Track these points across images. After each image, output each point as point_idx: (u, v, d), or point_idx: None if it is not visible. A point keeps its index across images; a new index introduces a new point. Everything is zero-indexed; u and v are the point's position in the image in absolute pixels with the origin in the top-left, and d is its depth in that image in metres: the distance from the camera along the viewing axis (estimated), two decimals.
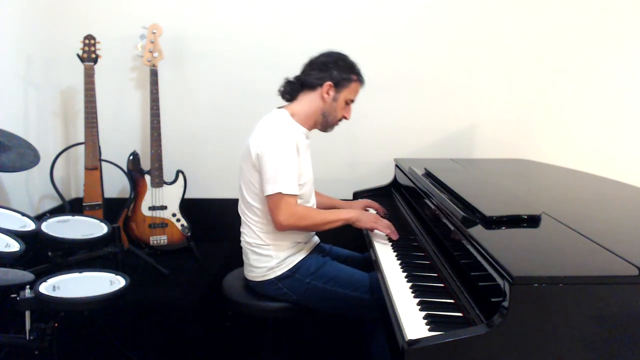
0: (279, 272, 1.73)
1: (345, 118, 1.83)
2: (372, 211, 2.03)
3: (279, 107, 1.80)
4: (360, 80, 1.80)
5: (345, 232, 1.82)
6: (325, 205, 2.05)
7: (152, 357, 2.08)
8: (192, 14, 2.54)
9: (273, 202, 1.64)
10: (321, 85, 1.74)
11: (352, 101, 1.82)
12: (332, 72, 1.74)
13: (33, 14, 2.38)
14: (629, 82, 2.57)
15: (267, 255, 1.73)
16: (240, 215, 1.81)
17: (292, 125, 1.73)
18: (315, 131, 1.86)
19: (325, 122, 1.80)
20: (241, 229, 1.82)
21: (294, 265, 1.74)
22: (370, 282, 1.72)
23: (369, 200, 2.10)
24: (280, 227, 1.66)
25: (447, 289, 1.37)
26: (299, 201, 1.71)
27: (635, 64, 2.55)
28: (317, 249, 1.87)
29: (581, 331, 1.06)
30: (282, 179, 1.62)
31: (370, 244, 1.74)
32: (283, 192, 1.62)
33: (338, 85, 1.75)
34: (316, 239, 1.92)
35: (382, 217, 1.91)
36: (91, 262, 1.92)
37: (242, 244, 1.81)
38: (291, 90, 1.81)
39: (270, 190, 1.63)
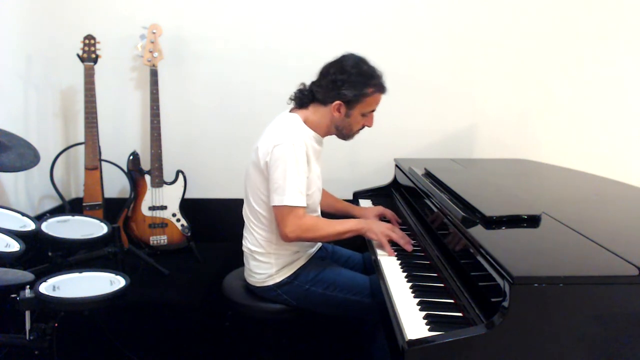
0: (278, 279, 1.71)
1: (367, 126, 1.73)
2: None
3: (291, 110, 1.74)
4: (379, 90, 1.66)
5: None
6: (337, 209, 2.00)
7: (152, 357, 2.08)
8: (192, 14, 2.54)
9: (280, 214, 1.59)
10: (331, 103, 1.65)
11: (373, 110, 1.71)
12: (341, 91, 1.61)
13: (33, 14, 2.38)
14: (629, 82, 2.57)
15: (267, 263, 1.71)
16: (244, 219, 1.78)
17: (304, 132, 1.66)
18: None
19: (341, 135, 1.74)
20: (244, 233, 1.79)
21: (293, 272, 1.72)
22: (371, 285, 1.70)
23: (383, 208, 1.97)
24: (286, 239, 1.61)
25: (447, 289, 1.37)
26: None
27: (635, 64, 2.55)
28: (317, 253, 1.85)
29: (581, 331, 1.06)
30: (290, 190, 1.55)
31: (370, 244, 1.74)
32: (290, 205, 1.56)
33: (350, 103, 1.63)
34: (318, 243, 1.89)
35: (394, 225, 1.80)
36: (91, 262, 1.92)
37: (244, 248, 1.79)
38: (301, 100, 1.71)
39: (277, 201, 1.57)
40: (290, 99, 1.76)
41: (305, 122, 1.69)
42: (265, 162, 1.60)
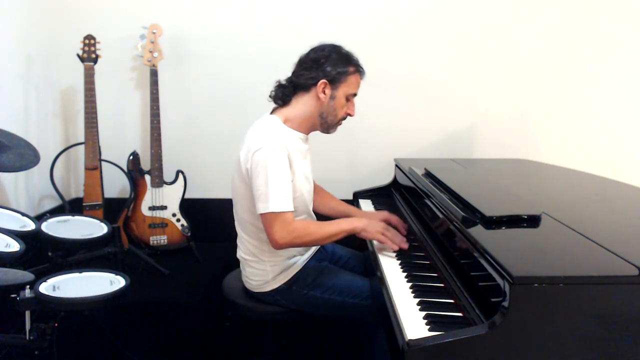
0: (274, 285, 1.69)
1: (350, 115, 1.69)
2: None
3: (272, 112, 1.70)
4: (359, 71, 1.66)
5: None
6: (337, 211, 1.95)
7: (152, 357, 2.08)
8: (192, 14, 2.54)
9: (267, 221, 1.53)
10: (315, 84, 1.61)
11: (354, 95, 1.68)
12: (324, 68, 1.60)
13: (33, 14, 2.38)
14: (629, 82, 2.57)
15: (263, 270, 1.69)
16: (236, 227, 1.75)
17: (283, 133, 1.61)
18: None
19: (325, 124, 1.68)
20: (237, 241, 1.76)
21: (291, 278, 1.69)
22: (371, 287, 1.68)
23: (388, 213, 1.85)
24: (277, 246, 1.55)
25: (447, 289, 1.37)
26: None
27: (635, 64, 2.55)
28: (315, 255, 1.82)
29: (581, 331, 1.06)
30: (274, 196, 1.50)
31: (370, 244, 1.74)
32: (276, 211, 1.50)
33: (334, 82, 1.61)
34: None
35: (401, 232, 1.74)
36: (91, 262, 1.92)
37: (238, 256, 1.77)
38: (283, 95, 1.67)
39: (262, 208, 1.52)
40: (270, 96, 1.71)
41: (286, 122, 1.65)
42: (247, 169, 1.56)
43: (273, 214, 1.51)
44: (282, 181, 1.52)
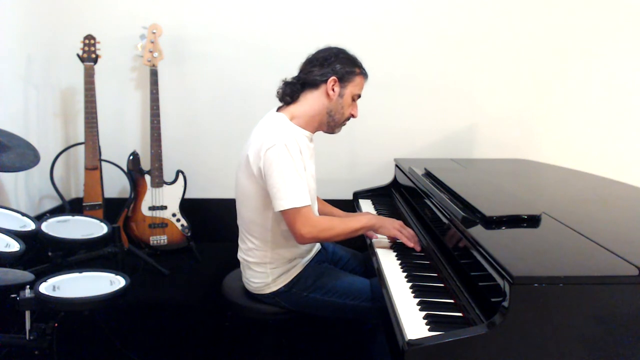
0: (274, 287, 1.68)
1: (353, 116, 1.72)
2: None
3: (277, 110, 1.70)
4: (363, 73, 1.70)
5: None
6: (324, 213, 1.96)
7: (152, 357, 2.08)
8: (192, 14, 2.55)
9: (288, 218, 1.53)
10: (325, 81, 1.63)
11: (359, 97, 1.71)
12: (334, 66, 1.63)
13: (33, 14, 2.38)
14: (629, 82, 2.57)
15: (263, 272, 1.68)
16: (239, 227, 1.75)
17: (292, 130, 1.61)
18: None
19: (332, 122, 1.69)
20: (238, 242, 1.76)
21: (290, 281, 1.68)
22: (371, 288, 1.68)
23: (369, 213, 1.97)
24: (302, 240, 1.56)
25: (447, 289, 1.37)
26: None
27: (635, 64, 2.55)
28: (316, 257, 1.82)
29: (581, 331, 1.06)
30: (291, 191, 1.50)
31: (371, 245, 1.74)
32: (295, 206, 1.51)
33: (343, 80, 1.64)
34: (317, 247, 1.85)
35: None
36: (91, 262, 1.92)
37: (239, 257, 1.76)
38: (291, 92, 1.67)
39: (280, 205, 1.51)
40: (278, 92, 1.71)
41: (292, 119, 1.64)
42: (259, 168, 1.55)
43: (293, 209, 1.52)
44: (297, 176, 1.53)
